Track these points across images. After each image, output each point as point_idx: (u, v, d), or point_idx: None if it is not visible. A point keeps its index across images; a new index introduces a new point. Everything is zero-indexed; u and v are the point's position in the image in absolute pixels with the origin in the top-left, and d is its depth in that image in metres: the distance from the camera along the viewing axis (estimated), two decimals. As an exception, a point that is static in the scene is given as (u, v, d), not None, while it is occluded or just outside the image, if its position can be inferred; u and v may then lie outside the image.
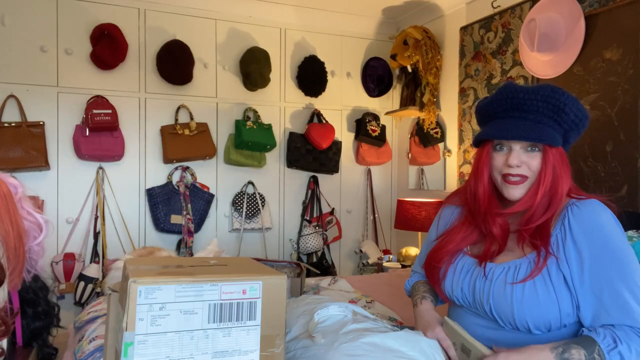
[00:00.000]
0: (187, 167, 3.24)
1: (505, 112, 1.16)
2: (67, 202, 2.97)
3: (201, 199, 3.23)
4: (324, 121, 3.56)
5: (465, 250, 1.26)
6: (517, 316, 1.10)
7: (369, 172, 3.84)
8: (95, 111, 2.87)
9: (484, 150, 1.20)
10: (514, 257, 1.17)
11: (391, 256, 3.32)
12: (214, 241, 2.50)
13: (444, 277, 1.26)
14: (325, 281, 2.39)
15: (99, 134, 2.93)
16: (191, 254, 3.16)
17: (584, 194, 1.16)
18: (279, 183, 3.55)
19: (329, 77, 3.59)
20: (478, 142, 1.23)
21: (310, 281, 2.39)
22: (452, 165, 3.27)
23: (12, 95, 2.82)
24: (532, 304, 1.09)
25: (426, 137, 3.43)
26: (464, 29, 3.14)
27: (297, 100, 3.58)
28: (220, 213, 3.36)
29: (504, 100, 1.15)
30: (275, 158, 3.51)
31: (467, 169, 3.12)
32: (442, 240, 1.30)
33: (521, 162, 1.13)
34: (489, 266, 1.18)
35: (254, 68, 3.24)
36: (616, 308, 1.03)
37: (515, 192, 1.15)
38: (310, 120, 3.57)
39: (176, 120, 3.18)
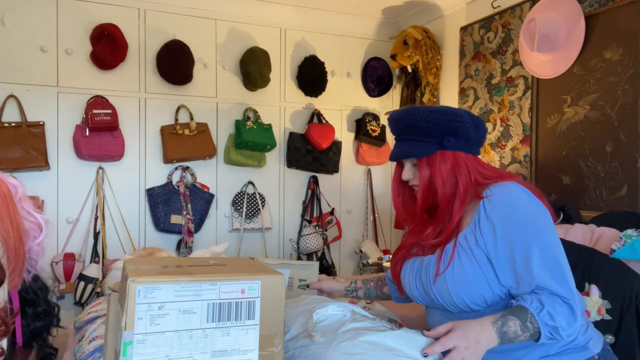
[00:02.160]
0: (187, 167, 3.24)
1: (395, 137, 1.37)
2: (67, 202, 2.97)
3: (201, 199, 3.23)
4: (324, 121, 3.56)
5: (413, 252, 1.38)
6: (455, 297, 1.20)
7: (369, 172, 3.84)
8: (95, 111, 2.87)
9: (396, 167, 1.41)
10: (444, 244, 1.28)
11: (391, 256, 3.32)
12: (225, 244, 2.45)
13: (404, 281, 1.38)
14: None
15: (99, 134, 2.93)
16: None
17: (500, 180, 1.26)
18: (279, 183, 3.55)
19: (329, 77, 3.59)
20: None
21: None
22: (452, 165, 3.27)
23: (12, 95, 2.82)
24: (463, 282, 1.19)
25: (426, 137, 3.43)
26: (464, 29, 3.14)
27: (297, 100, 3.58)
28: (220, 213, 3.36)
29: (390, 128, 1.38)
30: (275, 158, 3.51)
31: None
32: (397, 248, 1.45)
33: (410, 175, 1.33)
34: (427, 258, 1.29)
35: (254, 68, 3.24)
36: (530, 276, 1.11)
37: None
38: (310, 120, 3.57)
39: (176, 120, 3.19)
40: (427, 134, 1.26)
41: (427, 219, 1.33)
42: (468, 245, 1.21)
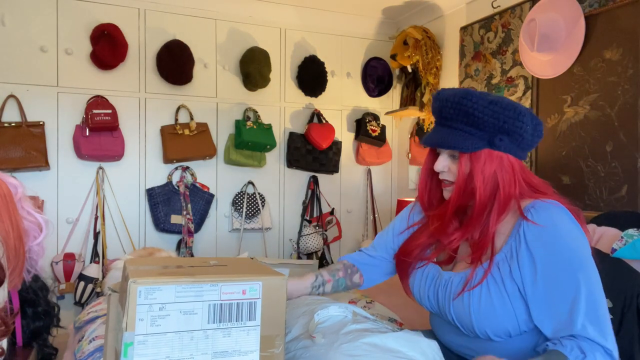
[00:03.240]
0: (187, 167, 3.24)
1: (436, 119, 1.22)
2: (67, 202, 2.97)
3: (201, 199, 3.23)
4: (324, 121, 3.56)
5: (428, 254, 1.27)
6: (476, 325, 1.10)
7: (369, 172, 3.84)
8: (95, 111, 2.87)
9: (427, 153, 1.28)
10: (467, 266, 1.16)
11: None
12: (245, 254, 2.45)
13: (413, 282, 1.29)
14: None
15: (99, 134, 2.93)
16: (191, 254, 3.16)
17: (543, 197, 1.13)
18: (279, 183, 3.55)
19: (329, 77, 3.59)
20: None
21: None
22: (452, 165, 3.27)
23: (12, 95, 2.82)
24: (489, 313, 1.08)
25: (426, 137, 3.43)
26: (464, 29, 3.14)
27: (297, 100, 3.58)
28: (220, 213, 3.36)
29: (433, 108, 1.23)
30: (275, 158, 3.51)
31: (467, 169, 3.11)
32: (413, 234, 1.32)
33: (445, 167, 1.18)
34: (448, 274, 1.19)
35: (254, 68, 3.24)
36: (572, 325, 0.99)
37: (445, 194, 1.22)
38: (310, 120, 3.57)
39: (176, 120, 3.18)
40: (480, 126, 1.11)
41: (454, 220, 1.19)
42: (500, 275, 1.09)
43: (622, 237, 1.72)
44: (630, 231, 1.73)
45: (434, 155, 1.23)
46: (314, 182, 3.63)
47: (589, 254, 1.05)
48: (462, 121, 1.13)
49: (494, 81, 2.90)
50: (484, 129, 1.11)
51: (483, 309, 1.09)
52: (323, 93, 3.59)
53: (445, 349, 1.26)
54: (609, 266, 1.63)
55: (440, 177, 1.21)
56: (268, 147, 3.33)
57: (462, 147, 1.12)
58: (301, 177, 3.62)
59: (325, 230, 3.60)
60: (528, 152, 1.20)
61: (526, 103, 2.68)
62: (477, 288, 1.10)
